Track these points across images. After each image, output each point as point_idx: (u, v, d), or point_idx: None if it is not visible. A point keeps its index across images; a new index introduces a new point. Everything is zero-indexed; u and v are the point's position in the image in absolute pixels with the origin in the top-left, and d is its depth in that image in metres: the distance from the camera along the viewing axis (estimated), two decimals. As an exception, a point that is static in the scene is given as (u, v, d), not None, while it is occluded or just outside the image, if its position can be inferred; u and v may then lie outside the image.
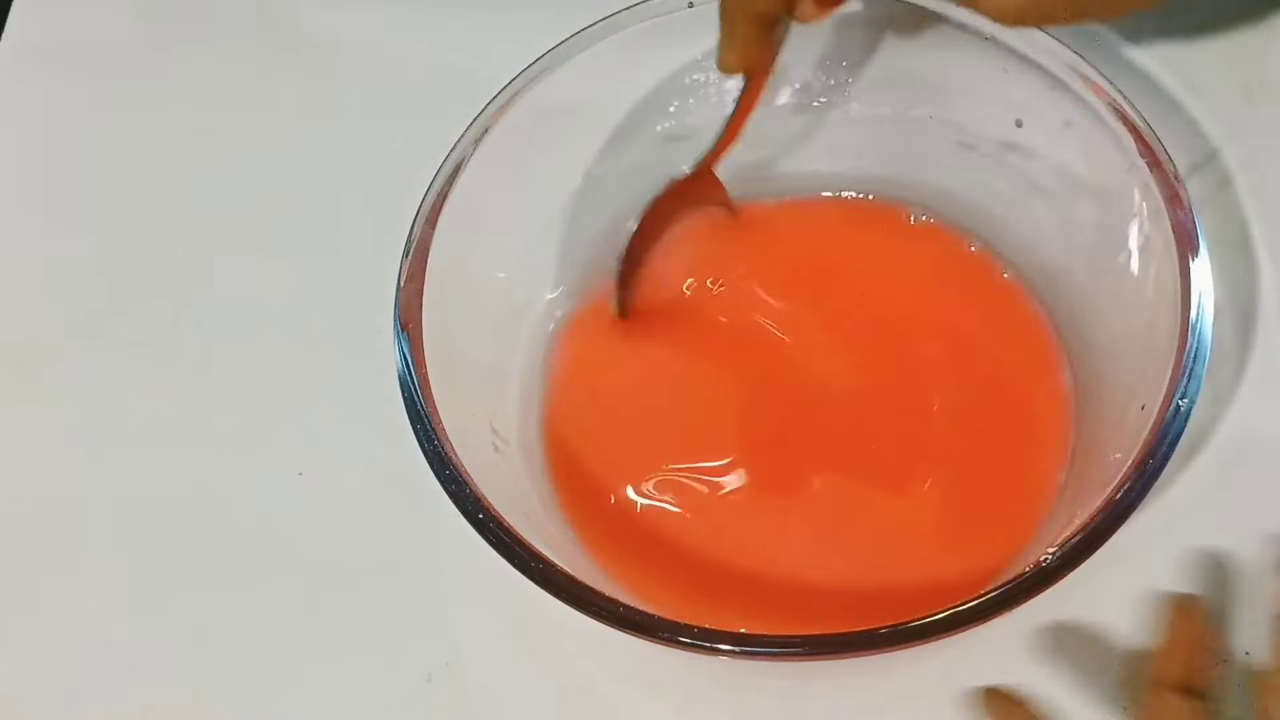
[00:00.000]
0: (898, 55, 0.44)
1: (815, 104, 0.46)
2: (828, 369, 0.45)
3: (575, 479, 0.44)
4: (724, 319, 0.46)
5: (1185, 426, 0.35)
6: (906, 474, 0.43)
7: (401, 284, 0.39)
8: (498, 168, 0.42)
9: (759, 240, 0.47)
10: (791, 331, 0.46)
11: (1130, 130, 0.39)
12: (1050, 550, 0.34)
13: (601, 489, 0.43)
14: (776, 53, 0.42)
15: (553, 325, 0.46)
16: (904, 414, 0.44)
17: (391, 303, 0.39)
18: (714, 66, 0.41)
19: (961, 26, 0.42)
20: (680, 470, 0.43)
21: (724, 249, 0.47)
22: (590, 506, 0.43)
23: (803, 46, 0.43)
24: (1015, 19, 0.39)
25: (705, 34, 0.43)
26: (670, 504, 0.43)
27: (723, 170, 0.45)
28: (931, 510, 0.42)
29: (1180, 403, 0.35)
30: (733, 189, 0.46)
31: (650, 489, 0.43)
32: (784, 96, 0.46)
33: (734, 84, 0.44)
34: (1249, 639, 0.41)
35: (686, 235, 0.46)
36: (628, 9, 0.42)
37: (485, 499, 0.36)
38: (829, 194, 0.47)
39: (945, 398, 0.44)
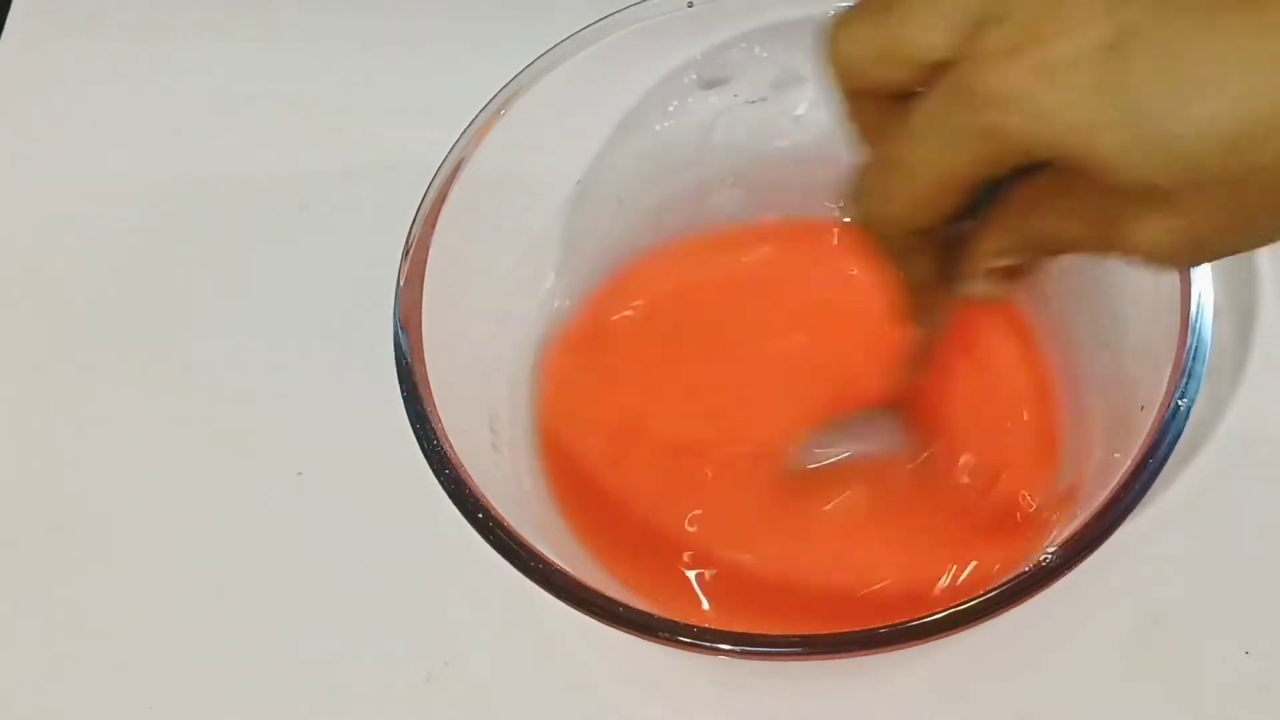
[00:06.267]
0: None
1: (799, 110, 0.46)
2: (825, 370, 0.45)
3: (574, 479, 0.43)
4: (724, 320, 0.46)
5: (1185, 426, 0.35)
6: (905, 473, 0.43)
7: (401, 284, 0.39)
8: (498, 168, 0.42)
9: (762, 251, 0.48)
10: (789, 331, 0.46)
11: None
12: (1050, 550, 0.34)
13: (601, 489, 0.43)
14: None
15: (552, 325, 0.46)
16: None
17: (391, 303, 0.39)
18: (711, 69, 0.41)
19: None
20: (680, 471, 0.44)
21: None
22: (589, 506, 0.43)
23: (797, 43, 0.43)
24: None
25: (705, 34, 0.43)
26: (670, 504, 0.43)
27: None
28: (931, 510, 0.42)
29: (1180, 403, 0.35)
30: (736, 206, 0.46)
31: (649, 489, 0.43)
32: (773, 102, 0.46)
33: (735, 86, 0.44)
34: (1249, 638, 0.41)
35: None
36: (627, 9, 0.42)
37: (485, 499, 0.36)
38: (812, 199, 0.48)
39: (944, 395, 0.44)
